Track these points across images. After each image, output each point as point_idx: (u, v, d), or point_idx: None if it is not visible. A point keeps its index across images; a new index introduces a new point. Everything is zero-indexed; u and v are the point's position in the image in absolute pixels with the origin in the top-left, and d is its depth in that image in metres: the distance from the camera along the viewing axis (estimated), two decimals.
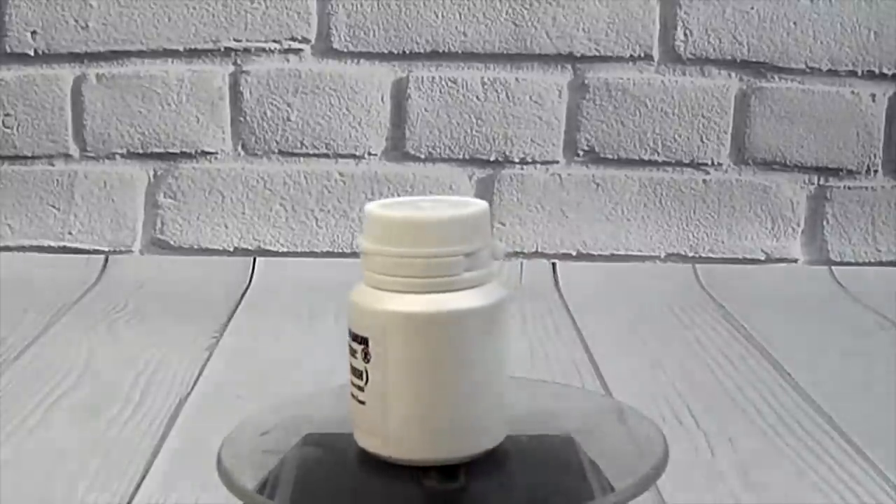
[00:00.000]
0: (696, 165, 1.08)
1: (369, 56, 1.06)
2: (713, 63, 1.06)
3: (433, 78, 1.06)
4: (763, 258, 1.09)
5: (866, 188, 1.09)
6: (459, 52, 1.06)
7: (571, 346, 0.85)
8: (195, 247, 1.07)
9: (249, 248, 1.08)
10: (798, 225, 1.09)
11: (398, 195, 1.07)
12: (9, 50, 1.04)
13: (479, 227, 0.41)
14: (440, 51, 1.05)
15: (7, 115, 1.06)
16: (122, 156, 1.07)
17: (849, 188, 1.09)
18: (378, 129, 1.07)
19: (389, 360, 0.41)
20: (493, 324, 0.42)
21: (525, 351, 0.83)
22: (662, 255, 1.09)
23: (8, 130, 1.06)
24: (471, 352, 0.41)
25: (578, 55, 1.06)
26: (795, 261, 1.09)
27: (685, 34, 1.06)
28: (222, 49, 1.05)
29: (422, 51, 1.05)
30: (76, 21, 1.04)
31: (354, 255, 1.10)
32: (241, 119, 1.06)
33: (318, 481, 0.42)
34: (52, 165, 1.07)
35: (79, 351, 0.81)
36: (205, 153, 1.07)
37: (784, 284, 1.05)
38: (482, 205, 0.42)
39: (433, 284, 0.41)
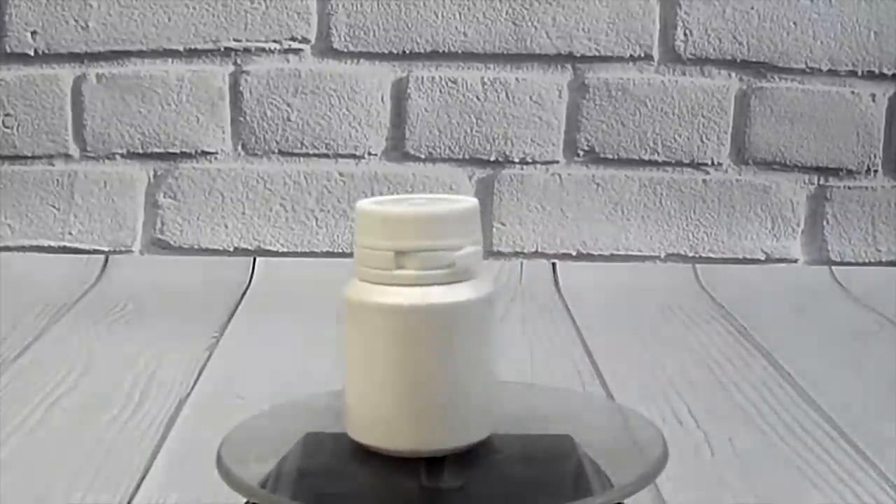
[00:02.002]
0: (696, 165, 1.08)
1: (369, 56, 1.06)
2: (713, 63, 1.06)
3: (433, 78, 1.06)
4: (763, 258, 1.09)
5: (866, 188, 1.09)
6: (459, 52, 1.06)
7: (571, 346, 0.85)
8: (195, 247, 1.07)
9: (249, 248, 1.08)
10: (798, 225, 1.09)
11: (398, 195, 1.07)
12: (9, 50, 1.04)
13: (420, 226, 0.41)
14: (440, 51, 1.05)
15: (7, 115, 1.06)
16: (122, 156, 1.07)
17: (849, 188, 1.09)
18: (378, 129, 1.07)
19: (344, 344, 0.43)
20: (452, 320, 0.42)
21: (525, 351, 0.83)
22: (662, 255, 1.09)
23: (8, 130, 1.06)
24: (419, 346, 0.41)
25: (578, 55, 1.06)
26: (795, 261, 1.09)
27: (685, 34, 1.06)
28: (222, 49, 1.05)
29: (422, 51, 1.05)
30: (76, 21, 1.04)
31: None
32: (241, 119, 1.06)
33: (318, 478, 0.42)
34: (52, 165, 1.07)
35: (79, 351, 0.81)
36: (205, 153, 1.07)
37: (784, 284, 1.05)
38: (441, 206, 0.42)
39: (375, 276, 0.42)
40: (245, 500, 0.42)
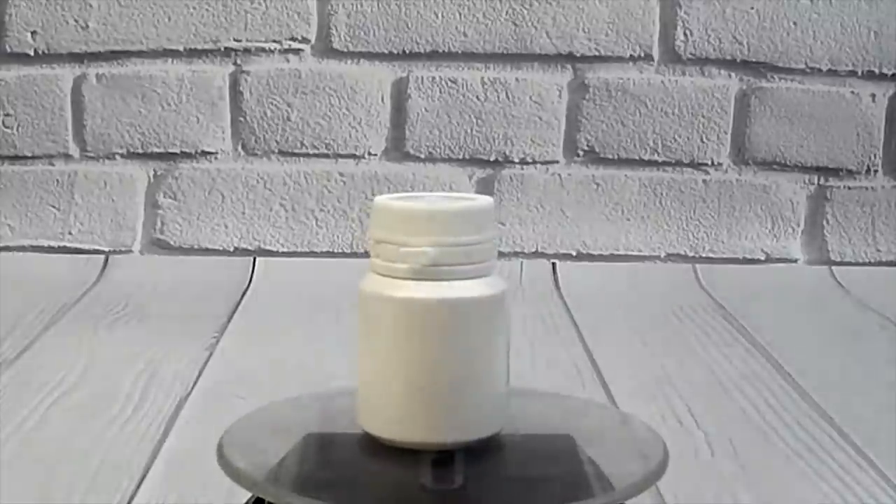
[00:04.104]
0: (696, 165, 1.08)
1: (369, 56, 1.06)
2: (713, 63, 1.06)
3: (433, 78, 1.06)
4: (763, 258, 1.09)
5: (866, 188, 1.09)
6: (459, 52, 1.06)
7: (571, 346, 0.85)
8: (195, 247, 1.07)
9: (249, 248, 1.08)
10: (798, 225, 1.09)
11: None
12: (9, 50, 1.04)
13: (386, 220, 0.42)
14: (440, 51, 1.05)
15: (7, 115, 1.06)
16: (122, 156, 1.07)
17: (849, 188, 1.09)
18: (378, 129, 1.07)
19: (358, 335, 0.43)
20: (458, 316, 0.42)
21: (525, 351, 0.83)
22: (662, 255, 1.09)
23: (8, 130, 1.06)
24: (427, 342, 0.42)
25: (578, 55, 1.06)
26: (795, 261, 1.10)
27: (685, 34, 1.06)
28: (222, 49, 1.05)
29: (422, 51, 1.05)
30: (76, 21, 1.04)
31: (354, 255, 1.11)
32: (241, 119, 1.06)
33: (319, 475, 0.42)
34: (52, 165, 1.07)
35: (79, 351, 0.81)
36: (205, 153, 1.07)
37: (784, 284, 1.05)
38: (419, 204, 0.43)
39: (389, 269, 0.42)
40: (246, 498, 0.42)
